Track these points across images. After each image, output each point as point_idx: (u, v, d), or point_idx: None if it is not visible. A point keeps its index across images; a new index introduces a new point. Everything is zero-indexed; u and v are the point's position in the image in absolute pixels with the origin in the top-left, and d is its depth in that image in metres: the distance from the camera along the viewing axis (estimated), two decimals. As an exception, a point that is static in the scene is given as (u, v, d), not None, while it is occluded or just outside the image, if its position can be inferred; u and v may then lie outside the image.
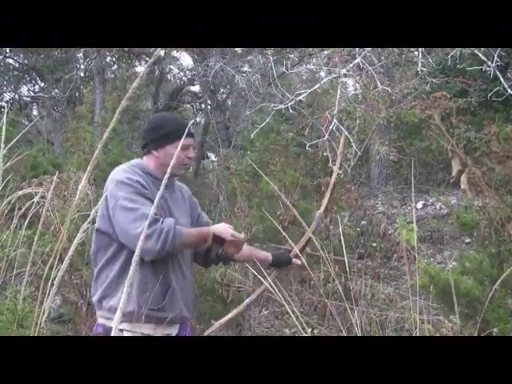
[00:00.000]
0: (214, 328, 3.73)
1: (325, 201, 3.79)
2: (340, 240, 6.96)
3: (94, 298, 3.20)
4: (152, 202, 3.07)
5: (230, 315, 3.75)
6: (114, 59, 17.93)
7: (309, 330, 3.05)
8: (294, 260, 3.73)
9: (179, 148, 3.19)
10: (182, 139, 2.25)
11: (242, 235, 3.40)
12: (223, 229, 3.31)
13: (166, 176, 1.62)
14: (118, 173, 3.21)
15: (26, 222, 3.51)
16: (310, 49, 10.49)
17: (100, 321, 3.13)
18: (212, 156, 17.64)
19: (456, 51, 4.23)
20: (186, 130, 3.13)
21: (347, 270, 3.63)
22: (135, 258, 1.53)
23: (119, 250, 3.10)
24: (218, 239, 3.26)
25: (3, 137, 2.56)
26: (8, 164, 3.80)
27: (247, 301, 3.80)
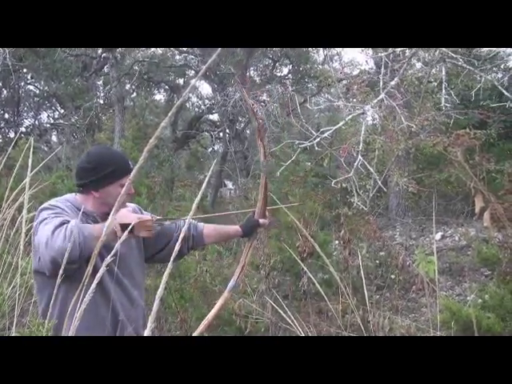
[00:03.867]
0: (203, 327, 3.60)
1: (261, 150, 3.66)
2: (358, 272, 6.95)
3: None
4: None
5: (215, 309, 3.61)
6: (133, 87, 18.09)
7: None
8: (261, 221, 3.55)
9: (120, 186, 3.04)
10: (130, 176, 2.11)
11: (149, 215, 3.24)
12: (125, 214, 3.04)
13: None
14: (44, 204, 3.05)
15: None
16: (329, 79, 10.53)
17: None
18: (229, 184, 17.67)
19: (479, 86, 4.22)
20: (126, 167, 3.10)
21: (366, 301, 3.60)
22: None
23: (56, 289, 2.63)
24: (127, 227, 3.07)
25: (30, 165, 2.58)
26: (31, 192, 3.83)
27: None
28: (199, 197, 1.76)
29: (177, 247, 1.75)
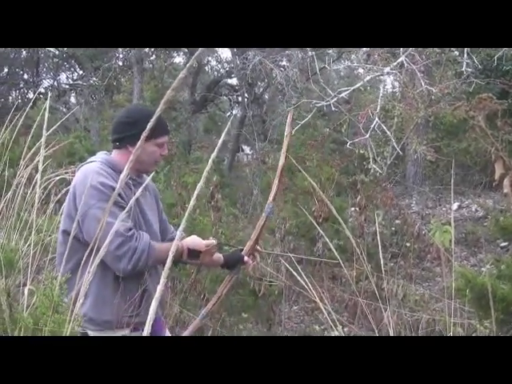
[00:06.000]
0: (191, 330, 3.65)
1: (273, 189, 3.64)
2: (374, 238, 6.95)
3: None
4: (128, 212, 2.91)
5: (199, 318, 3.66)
6: (152, 49, 18.02)
7: (339, 328, 3.00)
8: (245, 259, 3.57)
9: (153, 145, 3.20)
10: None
11: (214, 241, 3.35)
12: (196, 241, 3.25)
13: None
14: (90, 174, 3.03)
15: (62, 208, 3.52)
16: (350, 45, 10.43)
17: None
18: (247, 149, 17.63)
19: (503, 52, 4.16)
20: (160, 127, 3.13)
21: (381, 268, 3.58)
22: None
23: (89, 255, 2.48)
24: (193, 252, 3.22)
25: (45, 123, 2.57)
26: (49, 151, 3.83)
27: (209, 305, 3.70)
28: (214, 154, 1.75)
29: (172, 251, 1.74)
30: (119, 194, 3.00)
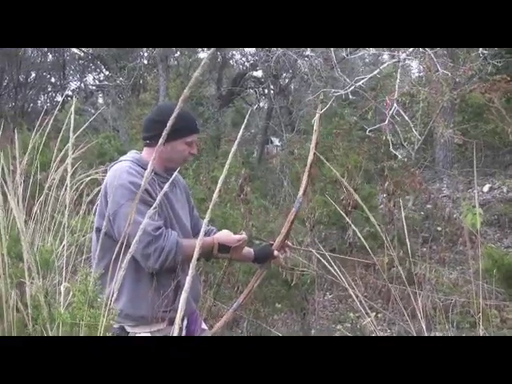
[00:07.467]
0: (214, 330, 3.68)
1: (303, 184, 3.65)
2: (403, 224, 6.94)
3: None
4: (156, 209, 2.86)
5: (225, 317, 3.69)
6: (176, 46, 18.11)
7: (372, 315, 3.04)
8: (275, 253, 3.60)
9: (183, 144, 3.24)
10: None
11: (244, 235, 3.36)
12: (227, 236, 3.29)
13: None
14: (121, 174, 3.09)
15: (94, 208, 3.59)
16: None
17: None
18: (276, 141, 17.64)
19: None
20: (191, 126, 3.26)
21: (409, 253, 3.61)
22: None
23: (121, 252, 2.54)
24: (224, 247, 3.24)
25: (72, 126, 2.63)
26: (77, 153, 3.90)
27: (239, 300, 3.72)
28: (234, 148, 1.79)
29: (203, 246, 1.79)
30: (149, 193, 3.05)
